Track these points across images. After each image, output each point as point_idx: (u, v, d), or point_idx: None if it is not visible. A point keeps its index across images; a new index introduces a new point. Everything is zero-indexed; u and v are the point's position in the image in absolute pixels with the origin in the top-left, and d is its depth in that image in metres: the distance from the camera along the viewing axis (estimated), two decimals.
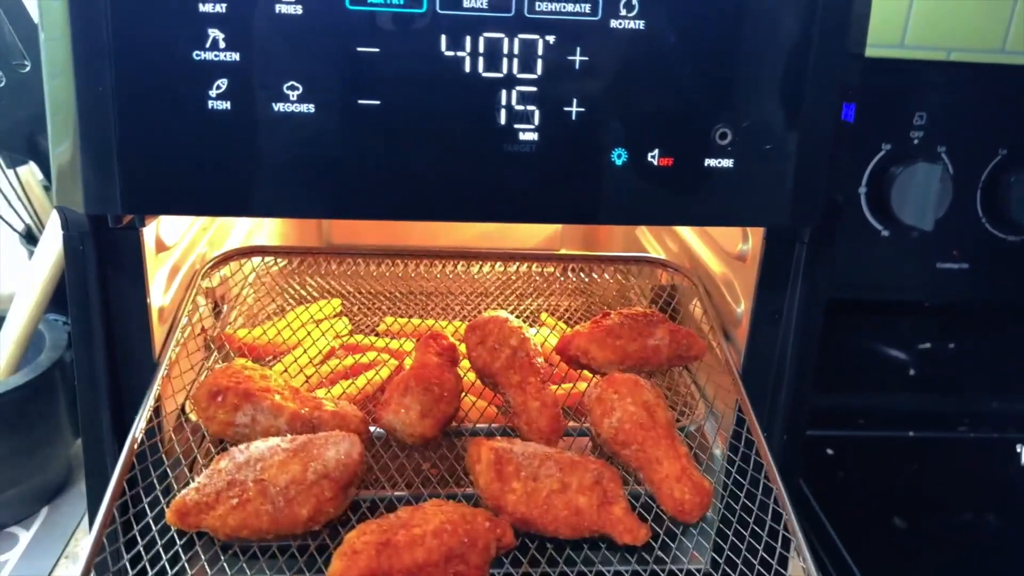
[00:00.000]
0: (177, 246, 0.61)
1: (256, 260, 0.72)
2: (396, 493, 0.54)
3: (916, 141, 0.88)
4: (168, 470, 0.54)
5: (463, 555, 0.46)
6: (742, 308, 0.59)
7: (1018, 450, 0.94)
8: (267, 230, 0.89)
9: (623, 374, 0.57)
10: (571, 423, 0.61)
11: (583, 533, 0.51)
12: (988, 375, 1.03)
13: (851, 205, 0.88)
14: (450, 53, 0.46)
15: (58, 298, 0.79)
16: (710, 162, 0.49)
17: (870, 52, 0.50)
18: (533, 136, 0.47)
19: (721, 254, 0.65)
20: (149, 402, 0.53)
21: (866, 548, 0.80)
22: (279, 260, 0.74)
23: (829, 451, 0.95)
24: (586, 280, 0.79)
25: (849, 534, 0.81)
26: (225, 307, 0.71)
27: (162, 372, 0.55)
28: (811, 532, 0.82)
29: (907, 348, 1.01)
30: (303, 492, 0.48)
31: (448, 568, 0.45)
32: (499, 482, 0.50)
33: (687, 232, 0.75)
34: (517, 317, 0.66)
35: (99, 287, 0.51)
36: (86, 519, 0.76)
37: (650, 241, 0.91)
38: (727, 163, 0.49)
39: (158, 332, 0.55)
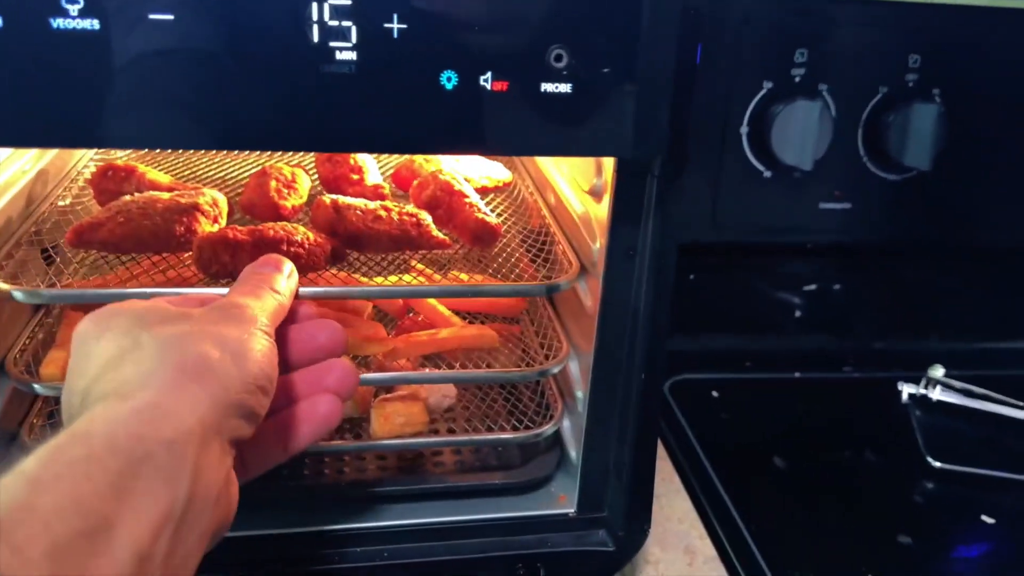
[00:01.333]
0: None
1: None
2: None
3: (797, 79, 0.87)
4: None
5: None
6: (598, 246, 0.57)
7: (899, 388, 0.95)
8: None
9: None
10: None
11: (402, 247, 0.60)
12: (873, 315, 1.04)
13: (733, 145, 0.86)
14: None
15: None
16: (547, 87, 0.46)
17: None
18: (351, 55, 0.43)
19: (579, 191, 0.63)
20: None
21: (745, 489, 0.80)
22: None
23: (715, 393, 0.95)
24: None
25: (729, 476, 0.81)
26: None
27: None
28: (692, 474, 0.82)
29: (792, 290, 1.02)
30: (178, 215, 0.58)
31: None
32: (336, 214, 0.60)
33: (551, 168, 0.73)
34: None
35: None
36: None
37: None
38: (564, 88, 0.46)
39: None
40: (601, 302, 0.56)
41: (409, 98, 0.45)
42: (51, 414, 0.61)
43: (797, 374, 0.99)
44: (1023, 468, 0.83)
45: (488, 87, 0.45)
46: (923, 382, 0.94)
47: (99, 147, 0.48)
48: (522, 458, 0.65)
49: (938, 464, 0.84)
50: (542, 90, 0.46)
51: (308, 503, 0.59)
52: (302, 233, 0.57)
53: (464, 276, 0.71)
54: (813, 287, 1.02)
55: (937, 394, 0.93)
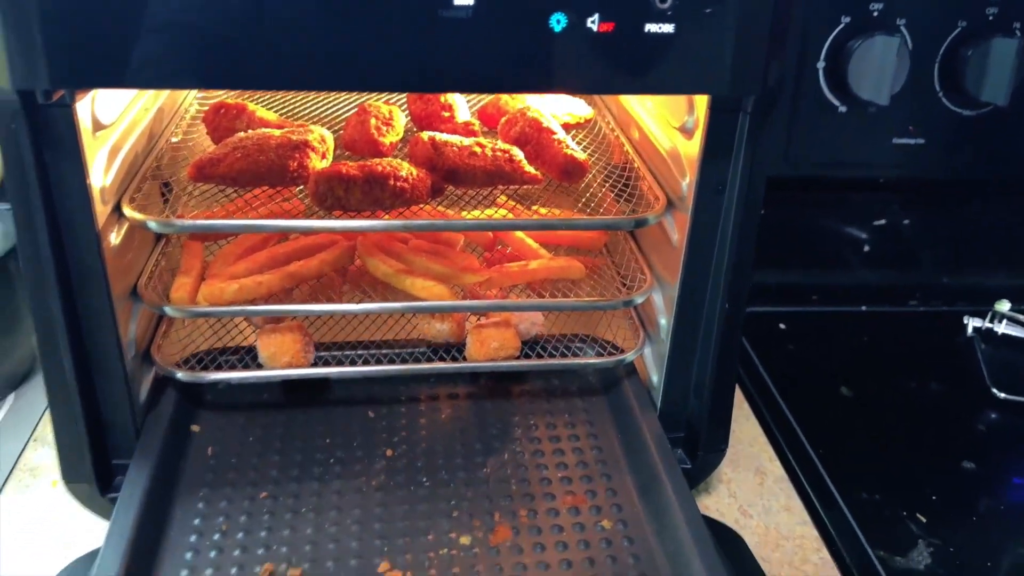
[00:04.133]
0: (117, 126, 0.60)
1: None
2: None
3: (875, 14, 0.87)
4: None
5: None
6: (687, 181, 0.59)
7: (965, 322, 0.96)
8: None
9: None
10: None
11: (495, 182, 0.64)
12: (941, 250, 1.05)
13: (809, 81, 0.87)
14: None
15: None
16: (651, 27, 0.48)
17: None
18: (468, 1, 0.46)
19: (667, 128, 0.65)
20: None
21: (812, 415, 0.83)
22: None
23: (782, 326, 0.98)
24: None
25: (797, 403, 0.85)
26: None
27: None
28: (761, 401, 0.85)
29: (862, 225, 1.03)
30: (290, 151, 0.61)
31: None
32: (434, 150, 0.63)
33: (635, 105, 0.75)
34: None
35: (36, 168, 0.50)
36: None
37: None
38: (668, 28, 0.48)
39: (101, 211, 0.54)
40: (689, 235, 0.59)
41: (520, 40, 0.48)
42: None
43: (863, 308, 1.01)
44: None
45: (595, 28, 0.48)
46: (989, 316, 0.96)
47: (242, 88, 0.51)
48: (602, 385, 0.69)
49: (1002, 395, 0.86)
50: (646, 30, 0.48)
51: None
52: (406, 169, 0.60)
53: (544, 211, 0.74)
54: (882, 222, 1.03)
55: (1003, 328, 0.95)
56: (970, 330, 0.96)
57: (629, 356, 0.67)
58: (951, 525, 0.71)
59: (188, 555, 0.52)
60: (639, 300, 0.65)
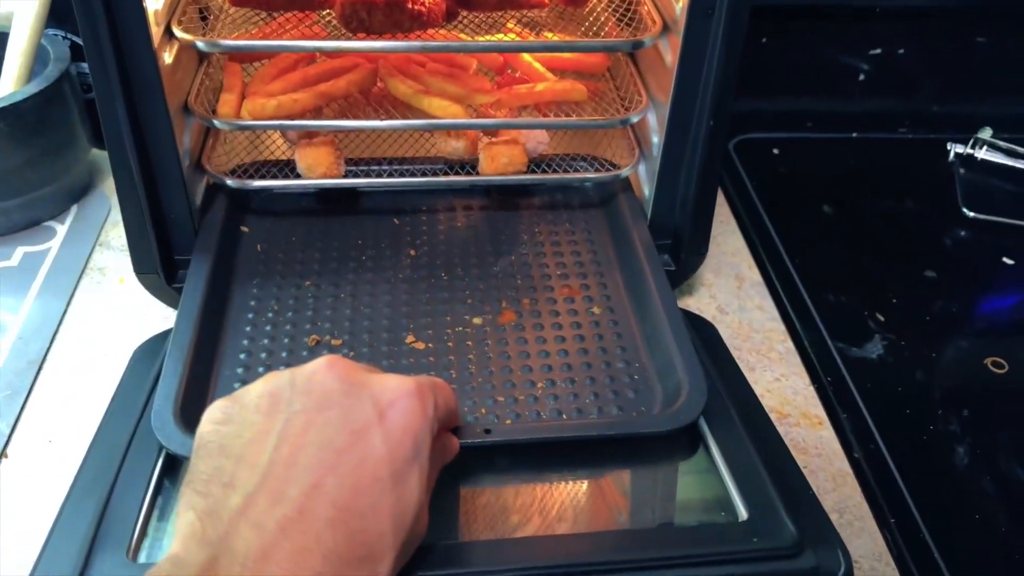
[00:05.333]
0: None
1: None
2: None
3: None
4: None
5: None
6: (680, 4, 0.65)
7: (948, 148, 1.03)
8: None
9: None
10: None
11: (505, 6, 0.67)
12: (934, 80, 1.10)
13: None
14: None
15: (53, 13, 0.84)
16: None
17: None
18: None
19: None
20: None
21: (793, 229, 0.92)
22: None
23: (775, 151, 1.04)
24: None
25: (780, 219, 0.93)
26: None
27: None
28: (747, 216, 0.94)
29: (858, 54, 1.07)
30: None
31: None
32: None
33: None
34: None
35: None
36: (113, 213, 0.88)
37: None
38: None
39: (155, 32, 0.61)
40: (680, 56, 0.65)
41: None
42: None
43: (855, 134, 1.08)
44: None
45: None
46: (971, 142, 1.02)
47: None
48: (600, 198, 0.77)
49: (971, 214, 0.94)
50: None
51: None
52: None
53: (551, 36, 0.80)
54: (878, 51, 1.07)
55: (983, 153, 1.01)
56: (952, 156, 1.02)
57: (624, 172, 0.75)
58: (906, 323, 0.81)
59: (248, 328, 0.63)
60: (635, 119, 0.72)
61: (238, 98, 0.70)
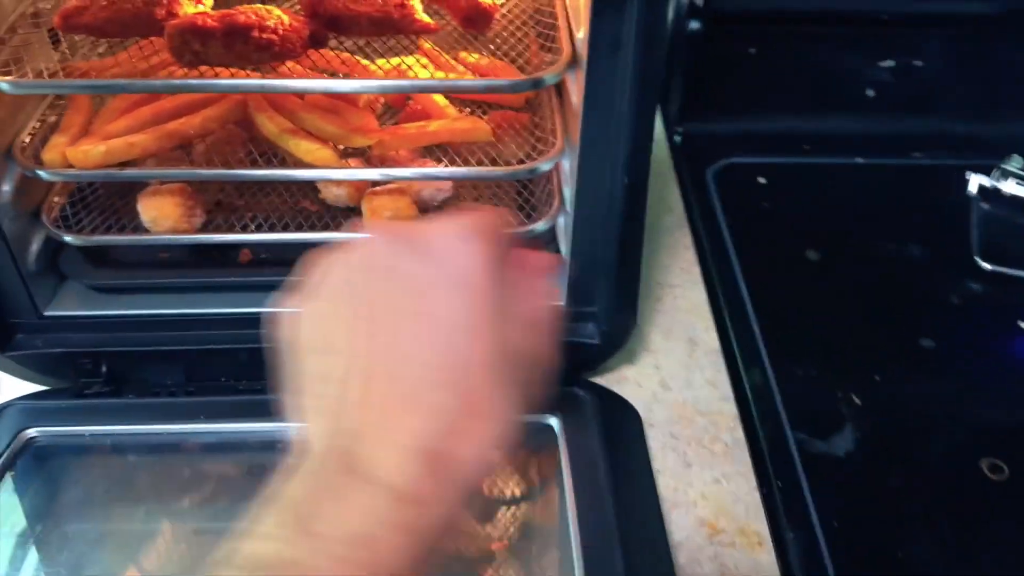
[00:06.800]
0: None
1: None
2: None
3: None
4: None
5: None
6: (582, 34, 0.52)
7: (967, 177, 0.87)
8: None
9: None
10: None
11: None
12: (955, 96, 0.93)
13: None
14: None
15: None
16: None
17: None
18: None
19: None
20: None
21: (766, 281, 0.78)
22: None
23: (761, 179, 0.90)
24: None
25: (753, 267, 0.79)
26: None
27: None
28: (714, 263, 0.80)
29: (867, 66, 0.92)
30: None
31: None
32: None
33: None
34: None
35: None
36: None
37: None
38: None
39: None
40: (584, 99, 0.52)
41: None
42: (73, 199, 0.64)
43: (859, 160, 0.92)
44: None
45: None
46: (996, 173, 0.86)
47: None
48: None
49: (988, 266, 0.78)
50: None
51: None
52: (275, 17, 0.54)
53: (473, 57, 0.67)
54: (890, 63, 0.91)
55: (1010, 187, 0.85)
56: (973, 188, 0.87)
57: (539, 226, 0.62)
58: (888, 409, 0.67)
59: None
60: (545, 167, 0.59)
61: (74, 140, 0.59)
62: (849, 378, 0.69)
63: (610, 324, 0.62)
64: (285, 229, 0.63)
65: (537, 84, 0.55)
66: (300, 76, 0.60)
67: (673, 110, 0.95)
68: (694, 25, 0.89)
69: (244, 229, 0.63)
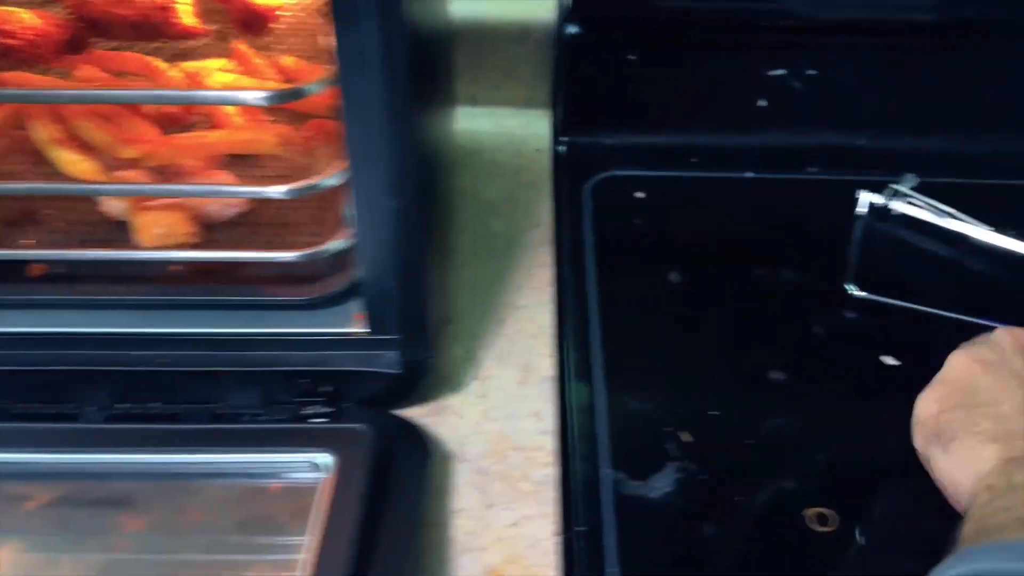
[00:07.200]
0: None
1: None
2: None
3: None
4: None
5: None
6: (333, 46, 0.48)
7: (856, 196, 0.82)
8: None
9: None
10: None
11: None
12: (855, 107, 0.88)
13: None
14: None
15: None
16: None
17: None
18: None
19: None
20: None
21: (620, 306, 0.73)
22: None
23: (639, 194, 0.85)
24: None
25: (611, 290, 0.74)
26: None
27: None
28: (569, 285, 0.75)
29: (757, 74, 0.86)
30: None
31: None
32: None
33: None
34: None
35: None
36: None
37: None
38: None
39: None
40: (344, 115, 0.48)
41: None
42: None
43: (749, 174, 0.87)
44: (967, 305, 0.72)
45: None
46: (887, 191, 0.81)
47: None
48: (309, 275, 0.61)
49: (858, 292, 0.73)
50: None
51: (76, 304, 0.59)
52: (20, 20, 0.50)
53: (290, 60, 0.63)
54: (782, 72, 0.86)
55: (900, 207, 0.80)
56: (863, 207, 0.81)
57: (332, 246, 0.58)
58: (716, 449, 0.62)
59: None
60: (329, 183, 0.55)
61: None
62: (684, 413, 0.64)
63: (407, 354, 0.58)
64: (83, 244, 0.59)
65: (294, 95, 0.51)
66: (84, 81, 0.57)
67: (558, 119, 0.91)
68: (572, 29, 0.84)
69: (42, 244, 0.59)
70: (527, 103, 0.96)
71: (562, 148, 0.90)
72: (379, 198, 0.50)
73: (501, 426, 0.64)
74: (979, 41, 0.84)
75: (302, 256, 0.57)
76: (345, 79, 0.47)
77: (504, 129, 0.94)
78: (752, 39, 0.85)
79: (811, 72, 0.86)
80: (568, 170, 0.88)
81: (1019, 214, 0.80)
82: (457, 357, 0.69)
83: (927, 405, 0.47)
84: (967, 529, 0.40)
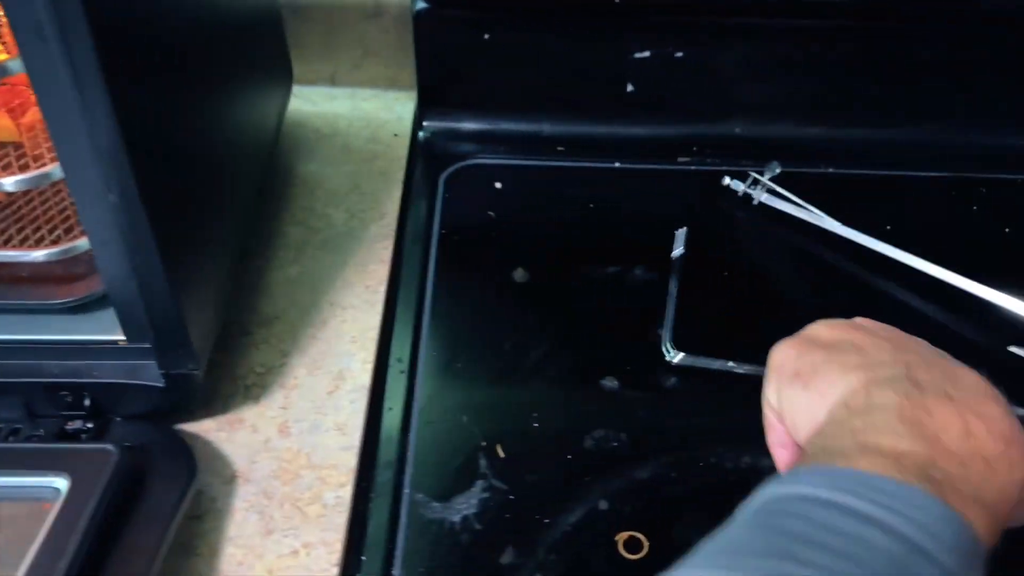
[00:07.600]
0: None
1: None
2: None
3: None
4: None
5: None
6: None
7: (724, 182, 0.76)
8: None
9: None
10: None
11: None
12: (728, 91, 0.82)
13: None
14: None
15: None
16: None
17: None
18: None
19: None
20: None
21: (461, 305, 0.67)
22: None
23: (498, 185, 0.79)
24: None
25: (449, 290, 0.68)
26: None
27: None
28: (404, 284, 0.69)
29: (622, 56, 0.80)
30: None
31: None
32: None
33: None
34: None
35: None
36: None
37: None
38: None
39: None
40: (36, 94, 0.42)
41: None
42: None
43: (617, 164, 0.81)
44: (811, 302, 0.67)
45: None
46: (749, 180, 0.76)
47: None
48: (86, 274, 0.55)
49: (676, 360, 0.68)
50: None
51: None
52: None
53: None
54: (646, 54, 0.80)
55: (761, 196, 0.75)
56: (737, 194, 0.76)
57: (81, 245, 0.52)
58: (530, 466, 0.57)
59: None
60: (58, 176, 0.48)
61: None
62: (503, 424, 0.59)
63: (167, 364, 0.52)
64: None
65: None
66: None
67: (419, 103, 0.85)
68: (420, 5, 0.78)
69: None
70: (391, 84, 0.89)
71: (423, 135, 0.84)
72: (97, 193, 0.44)
73: (298, 442, 0.58)
74: (861, 23, 0.79)
75: (51, 255, 0.51)
76: (27, 56, 0.40)
77: (363, 112, 0.87)
78: (619, 20, 0.79)
79: (678, 54, 0.80)
80: (425, 158, 0.82)
81: (881, 205, 0.76)
82: (264, 363, 0.63)
83: (784, 350, 0.42)
84: (813, 446, 0.37)
